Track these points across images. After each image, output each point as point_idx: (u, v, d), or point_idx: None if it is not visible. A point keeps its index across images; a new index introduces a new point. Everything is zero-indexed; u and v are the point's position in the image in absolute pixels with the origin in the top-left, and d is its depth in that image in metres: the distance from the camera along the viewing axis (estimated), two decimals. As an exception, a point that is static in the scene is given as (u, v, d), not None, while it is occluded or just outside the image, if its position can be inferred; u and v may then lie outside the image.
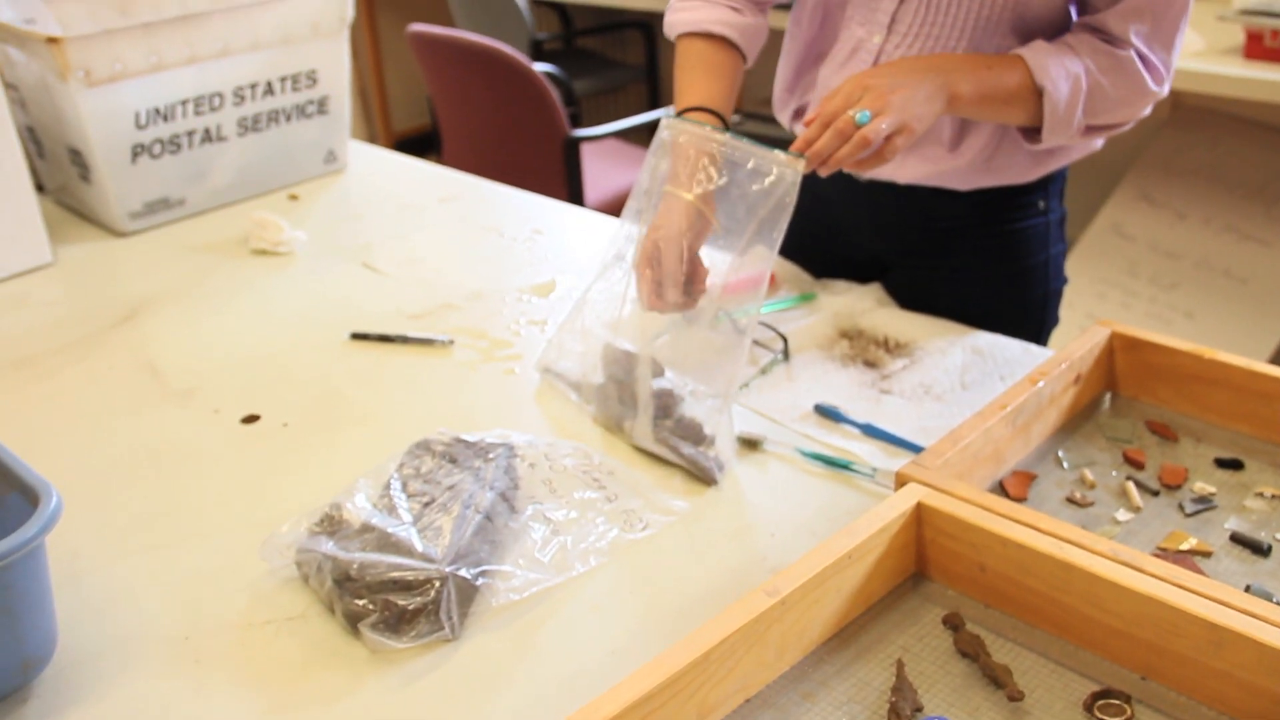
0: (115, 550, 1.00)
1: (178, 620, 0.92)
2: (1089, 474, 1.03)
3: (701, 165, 1.10)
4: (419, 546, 0.88)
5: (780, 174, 1.05)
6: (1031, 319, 1.34)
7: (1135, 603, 0.79)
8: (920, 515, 0.89)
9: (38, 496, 0.82)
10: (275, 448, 1.14)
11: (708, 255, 1.14)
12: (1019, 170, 1.25)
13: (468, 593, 0.88)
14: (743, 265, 1.10)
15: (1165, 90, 1.16)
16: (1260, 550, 0.93)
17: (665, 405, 1.10)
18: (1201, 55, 2.41)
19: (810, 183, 1.40)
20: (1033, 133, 1.17)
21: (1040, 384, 1.04)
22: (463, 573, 0.87)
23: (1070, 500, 1.00)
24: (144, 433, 1.18)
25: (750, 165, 1.07)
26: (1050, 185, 1.29)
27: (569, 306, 1.24)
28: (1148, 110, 1.18)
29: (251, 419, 1.19)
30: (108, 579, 0.97)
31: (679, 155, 1.12)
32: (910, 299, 1.35)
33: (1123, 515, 0.98)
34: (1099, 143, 1.24)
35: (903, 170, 1.26)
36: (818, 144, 1.04)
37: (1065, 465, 1.05)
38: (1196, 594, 0.77)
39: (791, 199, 1.04)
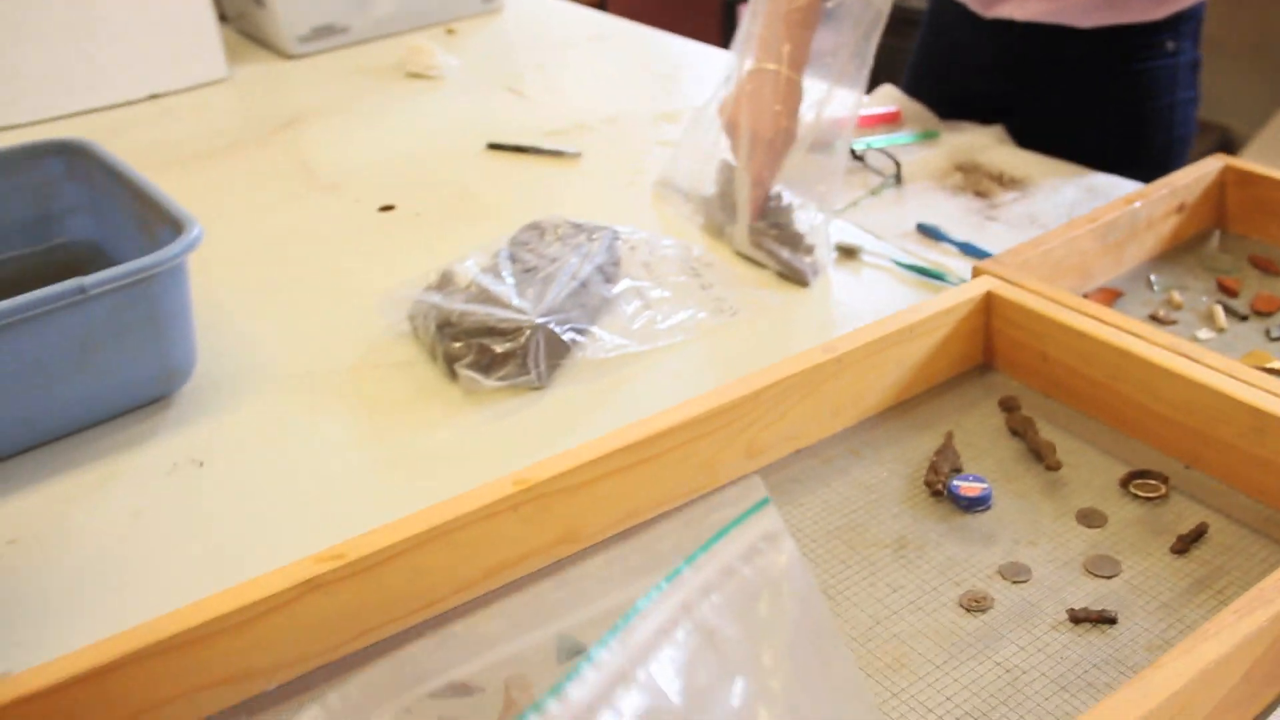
0: (255, 304, 1.11)
1: (302, 360, 1.02)
2: (1177, 296, 1.04)
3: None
4: (515, 301, 0.96)
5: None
6: (1153, 164, 1.33)
7: (1185, 389, 0.81)
8: (990, 305, 0.92)
9: (183, 227, 0.92)
10: (405, 231, 1.24)
11: (818, 88, 1.16)
12: (1144, 7, 1.23)
13: (556, 346, 0.96)
14: (869, 104, 1.11)
15: None
16: (1340, 373, 0.93)
17: (768, 212, 1.15)
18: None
19: (936, 25, 1.42)
20: None
21: (1137, 205, 1.05)
22: (553, 326, 0.95)
23: (1153, 317, 1.01)
24: (292, 215, 1.29)
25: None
26: (1181, 25, 1.27)
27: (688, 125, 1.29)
28: None
29: (387, 208, 1.29)
30: (246, 325, 1.08)
31: (764, 21, 1.14)
32: (1031, 140, 1.36)
33: (1204, 334, 0.99)
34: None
35: (1024, 6, 1.26)
36: None
37: (1155, 288, 1.06)
38: (1244, 382, 0.79)
39: (887, 6, 1.06)
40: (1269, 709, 0.66)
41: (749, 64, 1.15)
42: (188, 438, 0.92)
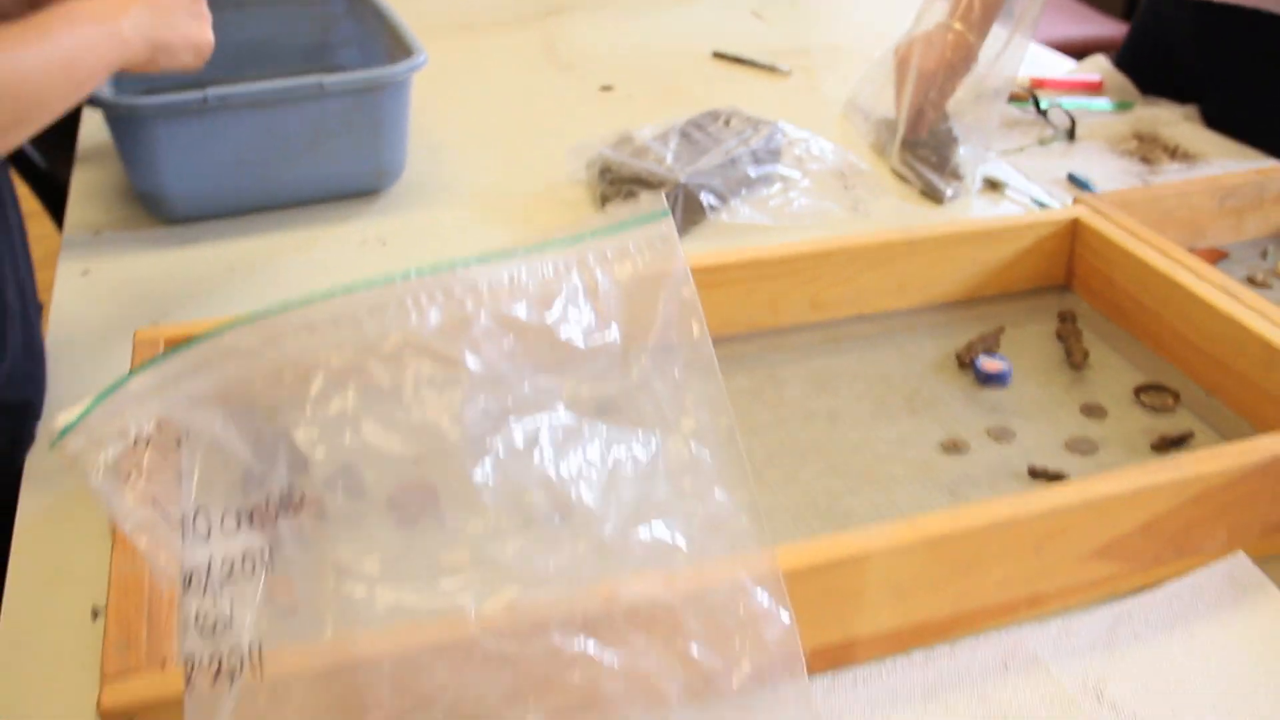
0: (469, 138, 1.32)
1: (490, 185, 1.22)
2: (1284, 266, 1.09)
3: None
4: (669, 161, 1.12)
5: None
6: (1343, 164, 1.35)
7: (1215, 321, 0.88)
8: (1075, 231, 1.01)
9: (413, 53, 1.13)
10: (615, 108, 1.42)
11: (996, 36, 1.26)
12: (1352, -3, 1.25)
13: (693, 205, 1.11)
14: (1075, 70, 1.19)
15: None
16: None
17: (932, 135, 1.26)
18: None
19: (1151, 3, 1.47)
20: None
21: (1265, 176, 1.10)
22: (693, 187, 1.10)
23: (1249, 279, 1.07)
24: (525, 82, 1.49)
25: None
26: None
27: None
28: None
29: (607, 88, 1.47)
30: (456, 153, 1.29)
31: None
32: (1223, 124, 1.40)
33: (1295, 302, 1.04)
34: None
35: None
36: None
37: (1268, 258, 1.11)
38: (1268, 319, 0.86)
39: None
40: (1179, 574, 0.74)
41: (937, 8, 1.27)
42: (382, 223, 1.13)
